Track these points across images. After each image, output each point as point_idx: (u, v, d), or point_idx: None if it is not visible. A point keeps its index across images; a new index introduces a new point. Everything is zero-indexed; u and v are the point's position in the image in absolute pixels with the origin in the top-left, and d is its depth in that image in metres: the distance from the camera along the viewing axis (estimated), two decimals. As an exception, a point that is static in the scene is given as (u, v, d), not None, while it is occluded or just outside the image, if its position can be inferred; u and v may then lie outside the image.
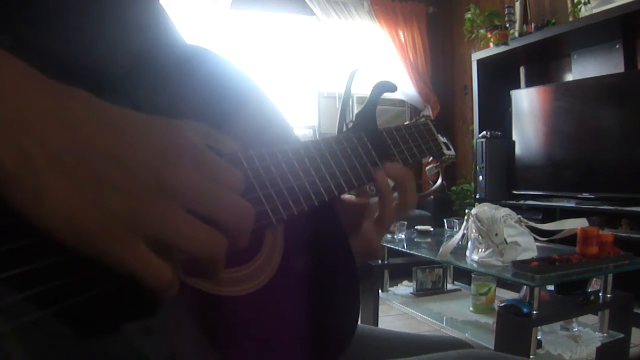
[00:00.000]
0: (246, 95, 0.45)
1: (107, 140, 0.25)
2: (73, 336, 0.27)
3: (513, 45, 3.07)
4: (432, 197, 3.55)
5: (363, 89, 3.22)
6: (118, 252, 0.25)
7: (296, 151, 0.44)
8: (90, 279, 0.27)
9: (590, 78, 2.70)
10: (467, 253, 1.58)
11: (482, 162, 3.09)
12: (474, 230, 1.55)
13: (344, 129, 0.55)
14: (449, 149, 0.64)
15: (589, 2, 2.64)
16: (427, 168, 0.68)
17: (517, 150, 3.11)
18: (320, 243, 0.47)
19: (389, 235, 2.03)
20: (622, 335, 1.54)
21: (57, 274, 0.26)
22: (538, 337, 1.37)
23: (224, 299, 0.36)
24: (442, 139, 0.64)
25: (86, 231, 0.24)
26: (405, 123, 0.61)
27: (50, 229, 0.23)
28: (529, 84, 3.32)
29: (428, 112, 3.86)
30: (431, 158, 0.65)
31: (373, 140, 0.53)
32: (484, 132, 3.13)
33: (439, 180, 0.68)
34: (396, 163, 0.53)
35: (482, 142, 3.10)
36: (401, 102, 3.85)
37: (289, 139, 0.47)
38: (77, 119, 0.24)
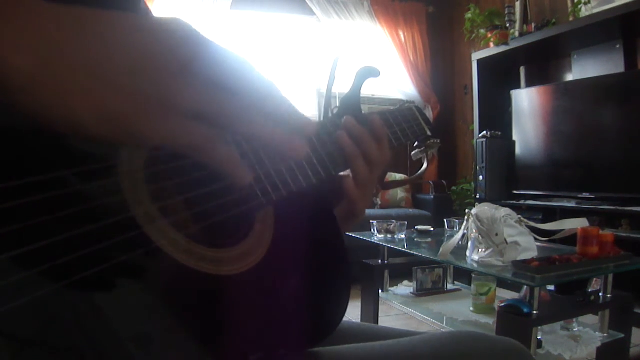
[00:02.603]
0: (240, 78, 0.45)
1: (126, 39, 0.25)
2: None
3: (513, 45, 3.07)
4: (432, 191, 3.56)
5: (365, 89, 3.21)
6: (154, 126, 0.26)
7: None
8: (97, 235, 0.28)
9: (591, 78, 2.70)
10: (467, 253, 1.58)
11: (483, 162, 3.09)
12: (474, 230, 1.55)
13: (330, 114, 0.56)
14: (433, 134, 0.65)
15: (589, 2, 2.64)
16: (412, 153, 0.68)
17: (518, 150, 3.11)
18: (310, 224, 0.47)
19: (389, 236, 2.04)
20: (623, 335, 1.54)
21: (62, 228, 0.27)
22: (538, 337, 1.37)
23: (216, 278, 0.37)
24: (427, 126, 0.64)
25: (120, 114, 0.25)
26: (390, 108, 0.62)
27: (83, 123, 0.24)
28: (529, 84, 3.32)
29: (428, 112, 3.86)
30: (416, 143, 0.66)
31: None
32: (484, 132, 3.13)
33: (424, 165, 0.69)
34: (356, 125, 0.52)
35: (482, 142, 3.10)
36: (401, 102, 3.84)
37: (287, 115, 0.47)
38: (92, 25, 0.25)
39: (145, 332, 0.31)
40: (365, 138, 0.51)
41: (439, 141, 0.65)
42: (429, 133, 0.64)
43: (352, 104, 0.55)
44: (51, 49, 0.23)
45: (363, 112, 0.56)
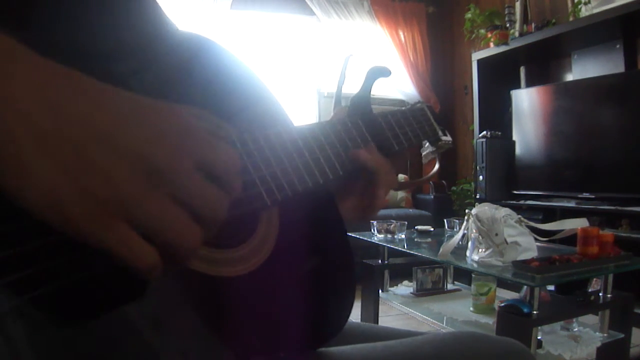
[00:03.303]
0: (241, 80, 0.45)
1: (95, 121, 0.24)
2: (60, 321, 0.27)
3: (513, 45, 3.07)
4: (432, 191, 3.56)
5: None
6: (100, 234, 0.24)
7: (291, 134, 0.44)
8: (77, 262, 0.27)
9: (591, 78, 2.70)
10: (467, 253, 1.58)
11: (483, 162, 3.09)
12: (474, 230, 1.55)
13: (339, 114, 0.56)
14: (445, 134, 0.64)
15: (589, 2, 2.64)
16: (423, 154, 0.68)
17: (518, 150, 3.11)
18: (314, 226, 0.47)
19: (389, 236, 2.04)
20: (623, 336, 1.54)
21: (44, 257, 0.26)
22: (538, 337, 1.37)
23: (219, 280, 0.36)
24: (439, 127, 0.64)
25: (68, 212, 0.23)
26: (402, 108, 0.61)
27: (34, 209, 0.23)
28: (529, 84, 3.32)
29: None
30: (427, 143, 0.65)
31: (368, 125, 0.54)
32: (484, 132, 3.13)
33: (436, 166, 0.69)
34: (372, 149, 0.53)
35: (482, 142, 3.10)
36: (401, 102, 3.85)
37: (281, 119, 0.47)
38: (65, 98, 0.24)
39: (154, 330, 0.31)
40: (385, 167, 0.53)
41: (450, 141, 0.65)
42: (440, 133, 0.64)
43: (363, 104, 0.55)
44: (21, 122, 0.22)
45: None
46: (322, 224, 0.48)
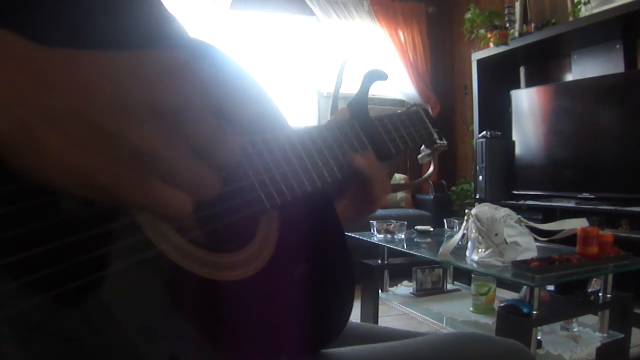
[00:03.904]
0: (240, 84, 0.45)
1: (95, 90, 0.25)
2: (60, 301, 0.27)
3: (513, 45, 3.07)
4: (432, 191, 3.56)
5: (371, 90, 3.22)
6: (136, 195, 0.25)
7: (289, 138, 0.44)
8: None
9: (590, 78, 2.70)
10: (467, 253, 1.58)
11: (482, 162, 3.09)
12: (473, 230, 1.55)
13: (337, 117, 0.56)
14: (440, 138, 0.65)
15: (589, 2, 2.64)
16: (419, 156, 0.68)
17: (517, 150, 3.11)
18: (314, 229, 0.47)
19: (388, 236, 2.04)
20: (622, 336, 1.54)
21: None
22: (538, 337, 1.37)
23: (219, 284, 0.36)
24: (434, 129, 0.64)
25: (99, 182, 0.24)
26: (397, 111, 0.62)
27: (62, 187, 0.24)
28: (529, 84, 3.32)
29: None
30: (423, 146, 0.66)
31: (365, 128, 0.54)
32: (484, 132, 3.13)
33: (431, 168, 0.69)
34: (368, 155, 0.54)
35: (482, 142, 3.10)
36: (401, 102, 3.85)
37: (281, 124, 0.47)
38: (65, 78, 0.24)
39: (154, 334, 0.31)
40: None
41: (445, 144, 0.65)
42: (435, 136, 0.64)
43: (359, 107, 0.55)
44: (32, 109, 0.23)
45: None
46: (321, 227, 0.48)
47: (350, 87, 0.59)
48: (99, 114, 0.24)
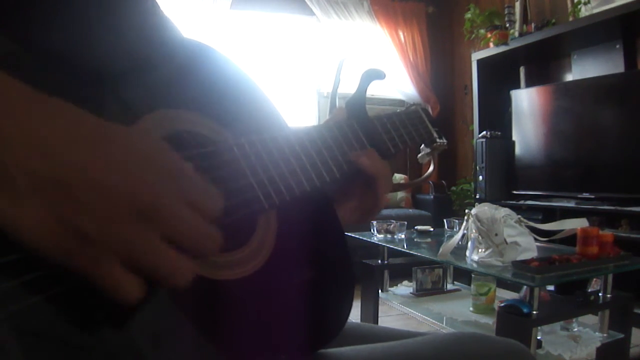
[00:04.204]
0: (239, 85, 0.45)
1: (87, 162, 0.26)
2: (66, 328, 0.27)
3: (513, 45, 3.07)
4: (432, 191, 3.56)
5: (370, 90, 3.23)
6: (90, 270, 0.26)
7: (287, 138, 0.44)
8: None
9: (590, 78, 2.70)
10: (467, 253, 1.58)
11: (482, 162, 3.09)
12: (474, 231, 1.55)
13: (335, 116, 0.56)
14: (440, 137, 0.65)
15: (589, 2, 2.64)
16: (419, 156, 0.68)
17: (517, 150, 3.11)
18: (313, 228, 0.47)
19: (388, 236, 2.04)
20: (622, 336, 1.54)
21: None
22: (538, 337, 1.37)
23: (217, 283, 0.36)
24: (433, 128, 0.64)
25: (60, 249, 0.25)
26: (396, 110, 0.62)
27: (28, 241, 0.24)
28: (529, 84, 3.32)
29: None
30: (423, 145, 0.66)
31: (363, 127, 0.54)
32: (484, 132, 3.13)
33: (431, 167, 0.69)
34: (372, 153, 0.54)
35: (482, 142, 3.10)
36: (401, 102, 3.85)
37: (279, 126, 0.47)
38: (58, 138, 0.25)
39: (153, 334, 0.31)
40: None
41: (445, 143, 0.65)
42: (435, 135, 0.64)
43: (358, 107, 0.55)
44: (9, 159, 0.24)
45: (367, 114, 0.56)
46: (320, 227, 0.48)
47: (350, 87, 0.59)
48: (81, 187, 0.25)
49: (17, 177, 0.23)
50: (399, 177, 3.60)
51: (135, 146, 0.28)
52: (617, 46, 2.66)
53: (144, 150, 0.28)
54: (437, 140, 0.64)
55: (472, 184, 3.42)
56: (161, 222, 0.27)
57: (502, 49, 3.13)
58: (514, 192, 3.07)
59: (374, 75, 0.56)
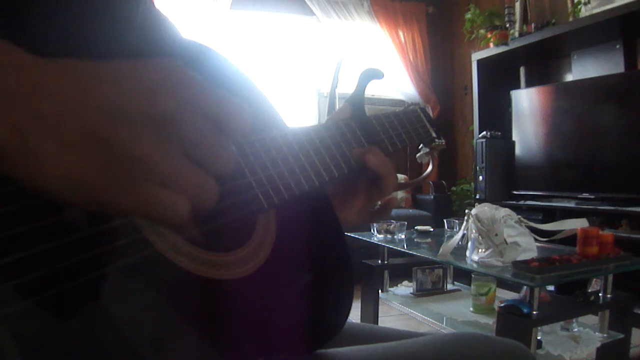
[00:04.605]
0: (237, 86, 0.45)
1: (93, 94, 0.25)
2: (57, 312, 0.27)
3: (513, 45, 3.07)
4: (432, 191, 3.56)
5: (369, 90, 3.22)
6: (128, 200, 0.25)
7: (286, 138, 0.44)
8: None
9: (590, 78, 2.70)
10: (467, 253, 1.58)
11: (482, 162, 3.09)
12: (474, 231, 1.55)
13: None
14: (438, 137, 0.65)
15: (589, 2, 2.64)
16: (417, 155, 0.68)
17: (517, 150, 3.11)
18: (312, 228, 0.47)
19: (388, 236, 2.04)
20: (622, 336, 1.54)
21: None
22: (538, 338, 1.37)
23: (216, 283, 0.36)
24: (432, 128, 0.64)
25: (91, 189, 0.24)
26: (395, 110, 0.62)
27: (55, 194, 0.24)
28: (529, 84, 3.32)
29: (428, 111, 3.86)
30: (421, 145, 0.66)
31: (362, 127, 0.54)
32: (484, 132, 3.13)
33: (430, 167, 0.69)
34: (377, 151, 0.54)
35: (482, 142, 3.10)
36: (401, 103, 3.85)
37: (278, 126, 0.47)
38: (59, 85, 0.24)
39: (152, 334, 0.31)
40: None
41: (444, 142, 0.65)
42: (434, 135, 0.64)
43: (356, 106, 0.55)
44: (24, 113, 0.23)
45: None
46: (319, 226, 0.48)
47: (350, 87, 0.59)
48: (94, 119, 0.24)
49: (27, 128, 0.23)
50: (399, 177, 3.60)
51: (133, 65, 0.27)
52: (617, 46, 2.66)
53: (145, 64, 0.27)
54: (436, 140, 0.64)
55: (472, 184, 3.42)
56: (182, 136, 0.26)
57: (502, 49, 3.13)
58: (514, 192, 3.07)
59: (372, 74, 0.56)
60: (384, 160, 0.53)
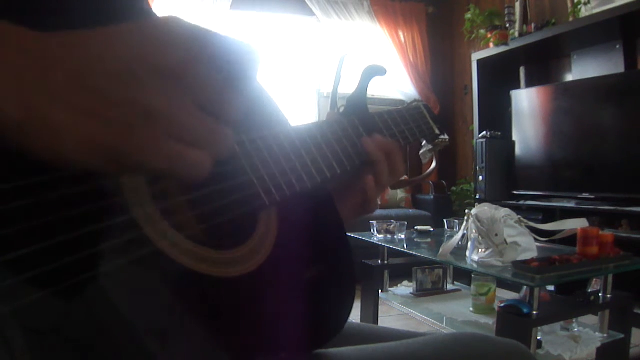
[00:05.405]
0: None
1: (99, 62, 0.25)
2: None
3: (513, 45, 3.07)
4: (432, 191, 3.56)
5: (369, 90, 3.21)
6: (154, 157, 0.25)
7: (288, 135, 0.44)
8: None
9: (590, 78, 2.70)
10: (467, 253, 1.58)
11: (482, 162, 3.09)
12: (474, 231, 1.55)
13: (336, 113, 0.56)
14: (442, 133, 0.64)
15: (589, 2, 2.64)
16: (420, 152, 0.68)
17: (517, 150, 3.11)
18: (314, 226, 0.47)
19: (388, 236, 2.03)
20: (622, 336, 1.54)
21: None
22: (538, 338, 1.37)
23: (217, 281, 0.36)
24: (435, 125, 0.64)
25: (112, 148, 0.24)
26: (398, 107, 0.61)
27: (80, 160, 0.24)
28: (529, 84, 3.32)
29: (428, 112, 3.86)
30: (424, 142, 0.65)
31: (364, 123, 0.54)
32: (484, 132, 3.13)
33: (433, 164, 0.69)
34: (382, 137, 0.54)
35: (482, 142, 3.10)
36: (401, 103, 3.85)
37: (281, 123, 0.47)
38: (64, 54, 0.24)
39: (152, 331, 0.31)
40: (392, 148, 0.54)
41: (447, 139, 0.65)
42: (437, 132, 0.64)
43: (359, 103, 0.55)
44: (37, 89, 0.23)
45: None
46: (321, 225, 0.48)
47: (351, 86, 0.59)
48: (104, 81, 0.24)
49: (39, 102, 0.23)
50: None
51: (135, 31, 0.27)
52: (617, 46, 2.66)
53: (147, 28, 0.27)
54: (439, 136, 0.64)
55: (472, 184, 3.42)
56: (193, 87, 0.27)
57: (502, 49, 3.13)
58: (514, 192, 3.06)
59: (375, 71, 0.56)
60: (381, 145, 0.53)
